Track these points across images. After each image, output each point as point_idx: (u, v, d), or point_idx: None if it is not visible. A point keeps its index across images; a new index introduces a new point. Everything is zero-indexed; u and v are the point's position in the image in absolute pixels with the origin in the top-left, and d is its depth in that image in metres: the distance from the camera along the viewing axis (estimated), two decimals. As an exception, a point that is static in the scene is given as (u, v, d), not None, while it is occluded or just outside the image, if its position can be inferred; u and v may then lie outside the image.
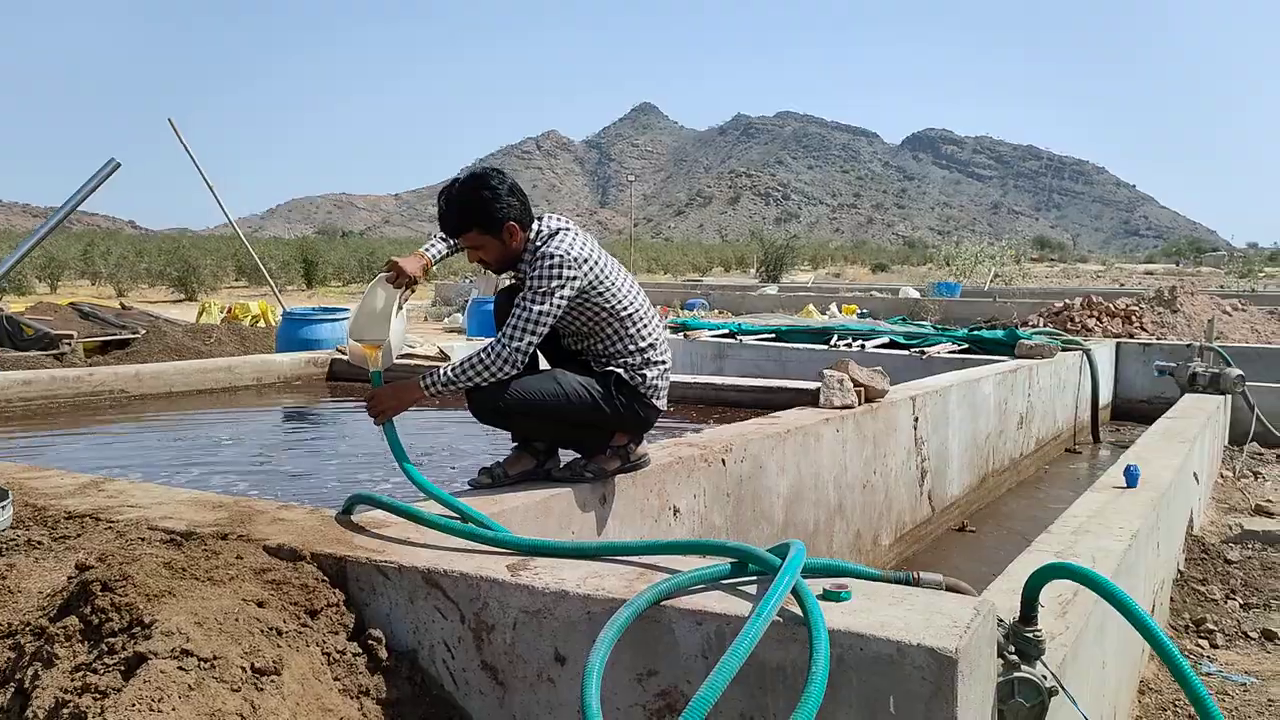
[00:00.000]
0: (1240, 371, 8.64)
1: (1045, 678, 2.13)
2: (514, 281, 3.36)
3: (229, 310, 17.73)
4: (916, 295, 25.17)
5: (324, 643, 2.16)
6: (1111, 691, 3.50)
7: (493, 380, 3.07)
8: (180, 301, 29.04)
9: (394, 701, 2.18)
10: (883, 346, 10.58)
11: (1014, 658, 2.14)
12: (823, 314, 20.35)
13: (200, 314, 17.64)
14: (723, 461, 4.00)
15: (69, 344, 12.75)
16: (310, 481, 4.43)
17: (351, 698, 2.13)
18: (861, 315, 20.56)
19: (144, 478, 3.88)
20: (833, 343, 10.76)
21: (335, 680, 2.13)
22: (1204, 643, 4.84)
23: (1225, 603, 5.31)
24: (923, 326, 13.09)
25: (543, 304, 3.06)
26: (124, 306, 17.68)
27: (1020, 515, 7.04)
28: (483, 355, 3.06)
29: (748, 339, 11.12)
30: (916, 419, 5.98)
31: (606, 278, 3.22)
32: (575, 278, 3.11)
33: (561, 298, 3.09)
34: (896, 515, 5.76)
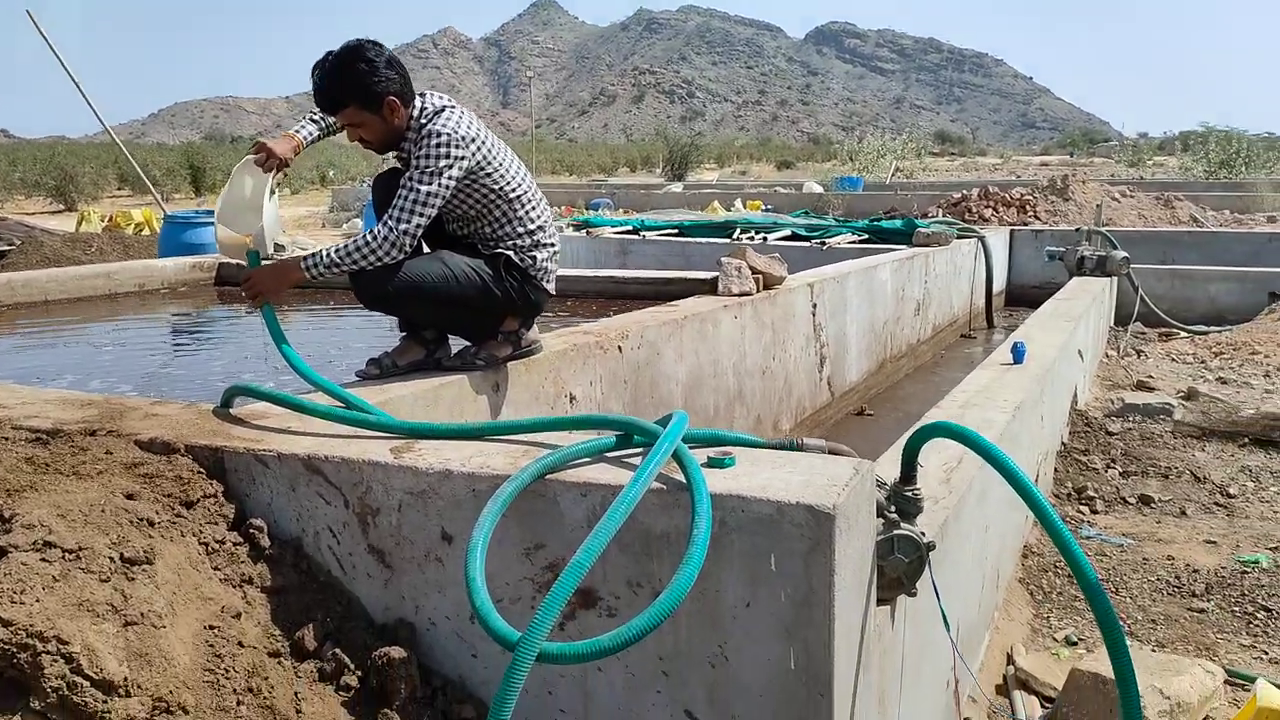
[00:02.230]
0: (1126, 254, 8.95)
1: (923, 534, 2.20)
2: (397, 163, 3.23)
3: (111, 219, 16.89)
4: (820, 190, 25.35)
5: (200, 533, 2.10)
6: (994, 554, 3.67)
7: (378, 264, 2.97)
8: (60, 213, 27.51)
9: (279, 589, 2.14)
10: (785, 239, 10.66)
11: (894, 516, 2.21)
12: (728, 210, 20.36)
13: (80, 223, 16.78)
14: (619, 348, 3.99)
15: (-62, 257, 12.01)
16: (194, 383, 4.27)
17: (234, 586, 2.09)
18: (766, 211, 20.65)
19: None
20: (735, 236, 10.80)
21: (215, 570, 2.08)
22: (1085, 509, 5.10)
23: (1105, 471, 5.59)
24: (824, 219, 13.22)
25: (430, 184, 2.95)
26: (-4, 218, 16.68)
27: (917, 398, 7.26)
28: (369, 238, 2.95)
29: (651, 235, 11.08)
30: (815, 306, 6.06)
31: (495, 158, 3.13)
32: (463, 157, 3.01)
33: (450, 178, 2.99)
34: (796, 400, 5.87)
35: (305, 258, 2.99)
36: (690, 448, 2.05)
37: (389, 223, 2.96)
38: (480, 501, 2.01)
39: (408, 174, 3.01)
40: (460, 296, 3.10)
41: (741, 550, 1.87)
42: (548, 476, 2.00)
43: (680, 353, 4.47)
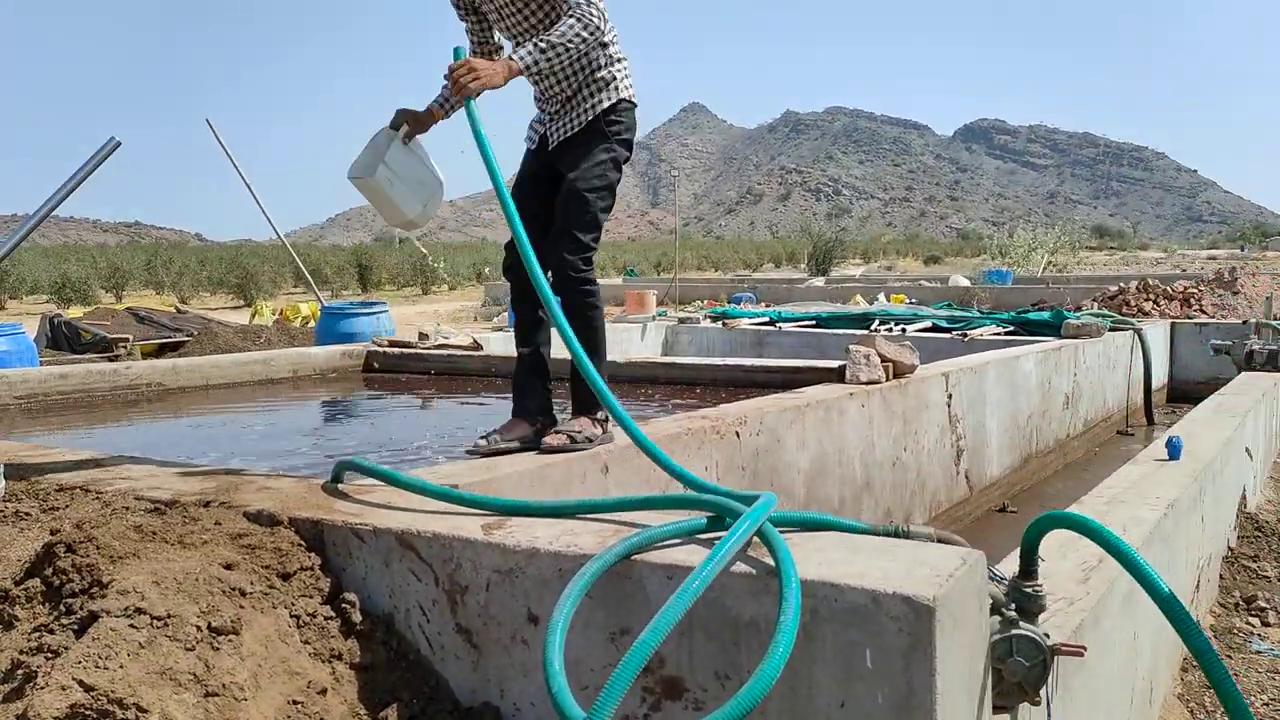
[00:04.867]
0: (1301, 347, 8.27)
1: (1046, 635, 2.00)
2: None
3: (280, 312, 18.01)
4: (966, 284, 24.66)
5: (293, 605, 2.10)
6: (1146, 665, 3.33)
7: (590, 39, 3.07)
8: (240, 308, 29.55)
9: (368, 666, 2.12)
10: (926, 331, 10.37)
11: (1013, 615, 2.02)
12: (870, 304, 20.03)
13: (253, 316, 17.96)
14: (736, 434, 3.90)
15: (125, 347, 13.05)
16: (327, 462, 4.39)
17: (323, 661, 2.08)
18: (910, 304, 20.21)
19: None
20: (873, 328, 10.58)
21: (305, 644, 2.07)
22: (1255, 620, 4.63)
23: (1279, 580, 5.08)
24: (967, 311, 12.83)
25: None
26: (179, 310, 18.06)
27: (1065, 495, 6.81)
28: (571, 23, 3.03)
29: (787, 326, 10.98)
30: (950, 396, 5.81)
31: None
32: None
33: None
34: (930, 494, 5.59)
35: (515, 52, 3.06)
36: (783, 531, 1.94)
37: (575, 11, 3.05)
38: (567, 582, 1.95)
39: None
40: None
41: (835, 644, 1.73)
42: (634, 558, 1.93)
43: (802, 440, 4.33)
